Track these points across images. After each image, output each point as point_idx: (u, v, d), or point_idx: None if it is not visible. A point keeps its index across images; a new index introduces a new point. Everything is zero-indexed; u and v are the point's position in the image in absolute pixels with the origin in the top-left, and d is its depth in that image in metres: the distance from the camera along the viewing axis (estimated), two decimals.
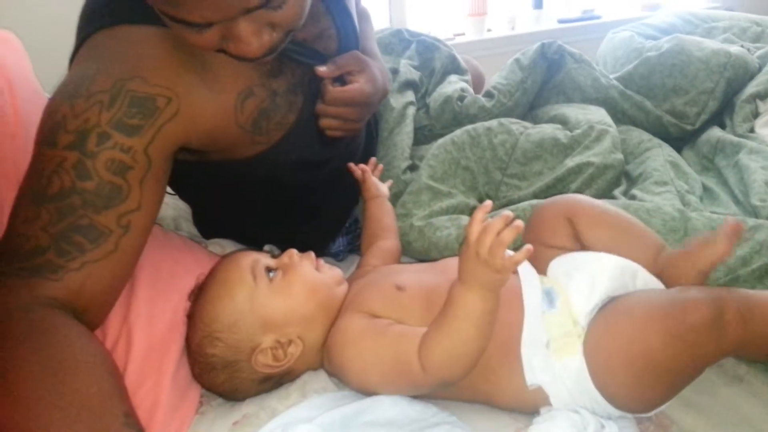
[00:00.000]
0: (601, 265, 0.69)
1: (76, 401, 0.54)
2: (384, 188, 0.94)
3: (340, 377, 0.70)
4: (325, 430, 0.61)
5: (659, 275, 0.70)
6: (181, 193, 0.97)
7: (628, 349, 0.62)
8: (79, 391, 0.55)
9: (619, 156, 0.99)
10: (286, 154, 0.82)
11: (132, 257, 0.67)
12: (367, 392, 0.67)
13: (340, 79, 0.84)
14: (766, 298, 0.64)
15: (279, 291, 0.71)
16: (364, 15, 1.04)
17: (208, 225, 1.01)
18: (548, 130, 1.04)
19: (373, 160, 0.99)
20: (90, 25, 0.70)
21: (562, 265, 0.71)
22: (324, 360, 0.72)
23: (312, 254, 0.77)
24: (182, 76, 0.69)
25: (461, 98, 1.14)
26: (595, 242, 0.73)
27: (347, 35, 0.89)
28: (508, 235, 0.56)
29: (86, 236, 0.62)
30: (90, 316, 0.64)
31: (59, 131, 0.63)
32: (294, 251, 0.76)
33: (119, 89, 0.64)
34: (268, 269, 0.73)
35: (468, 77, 1.26)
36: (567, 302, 0.68)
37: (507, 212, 0.58)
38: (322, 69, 0.81)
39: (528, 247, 0.57)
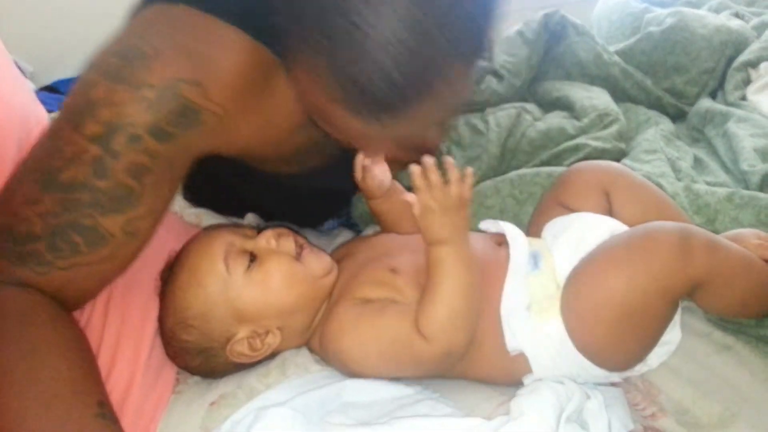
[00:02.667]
0: (588, 225, 0.68)
1: (50, 389, 0.53)
2: (386, 177, 0.79)
3: (337, 366, 0.68)
4: (302, 412, 0.60)
5: None
6: None
7: (595, 300, 0.62)
8: (53, 377, 0.54)
9: (621, 145, 0.99)
10: (311, 181, 0.76)
11: (126, 262, 0.62)
12: (366, 376, 0.66)
13: None
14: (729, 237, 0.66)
15: (255, 282, 0.66)
16: None
17: (198, 199, 0.94)
18: (556, 120, 1.03)
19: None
20: None
21: (554, 226, 0.71)
22: (317, 347, 0.70)
23: (293, 240, 0.70)
24: (242, 98, 0.60)
25: (477, 81, 1.12)
26: (628, 218, 0.71)
27: None
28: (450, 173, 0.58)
29: (85, 237, 0.58)
30: (67, 306, 0.61)
31: (87, 116, 0.56)
32: (271, 234, 0.69)
33: (172, 90, 0.56)
34: (244, 252, 0.68)
35: None
36: (551, 264, 0.67)
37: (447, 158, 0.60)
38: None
39: (468, 169, 0.58)
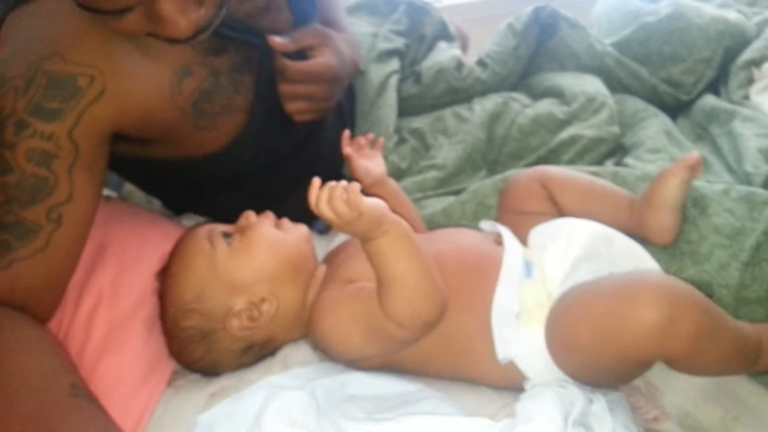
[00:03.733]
0: (574, 232, 0.68)
1: (14, 381, 0.53)
2: (377, 168, 0.82)
3: (326, 350, 0.69)
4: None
5: (638, 227, 0.71)
6: (144, 189, 0.94)
7: (569, 343, 0.62)
8: (16, 371, 0.54)
9: (615, 129, 0.98)
10: (245, 149, 0.77)
11: (70, 251, 0.64)
12: (354, 359, 0.67)
13: (301, 57, 0.78)
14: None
15: (239, 252, 0.70)
16: None
17: (179, 209, 0.97)
18: (544, 105, 1.02)
19: (360, 138, 0.84)
20: (6, 3, 0.65)
21: (540, 234, 0.71)
22: (309, 332, 0.71)
23: (270, 214, 0.74)
24: (108, 51, 0.63)
25: (458, 68, 1.11)
26: (569, 203, 0.75)
27: (301, 6, 0.82)
28: (334, 192, 0.56)
29: (13, 233, 0.60)
30: (30, 310, 0.61)
31: None
32: (251, 212, 0.73)
33: (35, 71, 0.59)
34: (226, 234, 0.72)
35: (457, 44, 1.22)
36: (543, 273, 0.67)
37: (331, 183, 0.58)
38: (276, 39, 0.75)
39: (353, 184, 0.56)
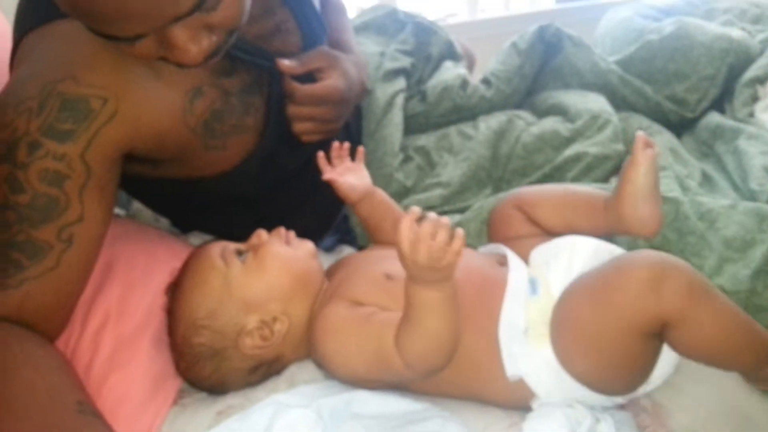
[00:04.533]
0: (577, 249, 0.69)
1: (22, 398, 0.54)
2: (361, 181, 0.81)
3: (324, 367, 0.69)
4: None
5: (618, 224, 0.71)
6: (153, 208, 0.94)
7: (575, 334, 0.62)
8: (24, 388, 0.54)
9: (620, 147, 0.98)
10: (254, 168, 0.78)
11: (80, 270, 0.65)
12: (353, 383, 0.67)
13: (309, 78, 0.79)
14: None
15: (252, 270, 0.70)
16: (338, 7, 1.00)
17: (186, 227, 0.97)
18: (549, 123, 1.03)
19: (334, 149, 0.81)
20: (23, 25, 0.67)
21: (542, 254, 0.71)
22: (311, 348, 0.71)
23: (282, 230, 0.74)
24: (121, 73, 0.64)
25: (463, 86, 1.12)
26: (546, 220, 0.75)
27: (310, 28, 0.83)
28: (441, 234, 0.54)
29: (24, 252, 0.60)
30: (39, 329, 0.62)
31: None
32: (262, 230, 0.73)
33: (49, 93, 0.60)
34: (239, 252, 0.72)
35: (464, 63, 1.23)
36: (548, 290, 0.67)
37: (434, 216, 0.55)
38: (285, 62, 0.76)
39: (458, 230, 0.55)
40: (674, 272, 0.59)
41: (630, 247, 0.78)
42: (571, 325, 0.63)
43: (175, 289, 0.72)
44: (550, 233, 0.74)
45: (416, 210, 0.55)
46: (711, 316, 0.60)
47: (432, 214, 0.56)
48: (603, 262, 0.65)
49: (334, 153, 0.81)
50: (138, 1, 0.52)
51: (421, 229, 0.54)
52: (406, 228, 0.55)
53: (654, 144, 0.68)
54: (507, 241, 0.76)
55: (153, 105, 0.67)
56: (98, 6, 0.52)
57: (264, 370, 0.71)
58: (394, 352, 0.61)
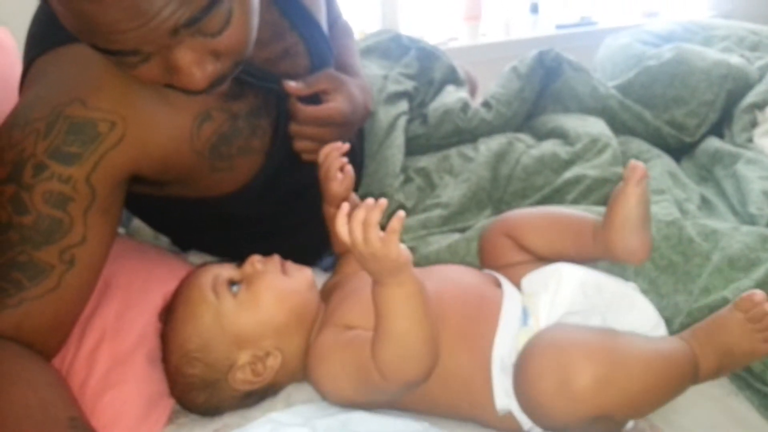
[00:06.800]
0: (562, 282, 0.67)
1: (14, 413, 0.53)
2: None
3: (318, 393, 0.69)
4: None
5: (605, 252, 0.70)
6: (153, 226, 0.94)
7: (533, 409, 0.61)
8: (17, 403, 0.54)
9: (619, 170, 0.98)
10: (259, 188, 0.78)
11: (80, 292, 0.65)
12: (348, 405, 0.66)
13: (315, 100, 0.80)
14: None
15: (245, 305, 0.67)
16: (345, 30, 1.01)
17: (186, 245, 0.97)
18: (549, 146, 1.03)
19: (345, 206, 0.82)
20: (34, 49, 0.67)
21: (533, 282, 0.70)
22: (306, 376, 0.70)
23: (276, 258, 0.72)
24: (129, 97, 0.64)
25: (464, 109, 1.13)
26: (534, 246, 0.73)
27: (319, 51, 0.84)
28: (372, 216, 0.54)
29: (25, 273, 0.60)
30: (36, 348, 0.62)
31: None
32: (256, 258, 0.71)
33: (57, 116, 0.61)
34: (231, 282, 0.69)
35: (466, 88, 1.24)
36: (537, 322, 0.67)
37: (369, 200, 0.55)
38: (291, 84, 0.77)
39: (399, 213, 0.54)
40: (575, 374, 0.58)
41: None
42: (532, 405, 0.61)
43: (168, 317, 0.71)
44: (541, 259, 0.73)
45: (346, 205, 0.56)
46: (629, 384, 0.59)
47: (369, 200, 0.55)
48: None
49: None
50: (134, 8, 0.51)
51: (353, 217, 0.54)
52: (341, 224, 0.55)
53: (646, 170, 0.67)
54: (499, 269, 0.75)
55: (161, 129, 0.67)
56: (99, 16, 0.51)
57: (258, 396, 0.70)
58: (372, 365, 0.60)
